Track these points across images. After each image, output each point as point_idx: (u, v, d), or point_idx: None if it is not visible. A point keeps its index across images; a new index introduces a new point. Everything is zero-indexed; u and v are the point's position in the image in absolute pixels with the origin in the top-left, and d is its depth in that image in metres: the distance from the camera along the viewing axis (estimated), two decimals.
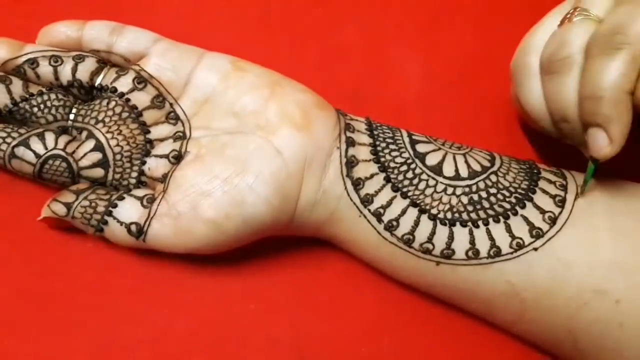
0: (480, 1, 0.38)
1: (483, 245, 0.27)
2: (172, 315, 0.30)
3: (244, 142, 0.28)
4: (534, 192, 0.28)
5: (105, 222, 0.28)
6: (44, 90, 0.30)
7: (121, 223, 0.28)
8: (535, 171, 0.29)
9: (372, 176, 0.28)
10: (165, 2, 0.36)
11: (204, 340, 0.30)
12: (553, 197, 0.28)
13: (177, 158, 0.29)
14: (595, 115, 0.25)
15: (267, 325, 0.30)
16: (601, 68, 0.25)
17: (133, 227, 0.28)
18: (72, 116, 0.30)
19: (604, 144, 0.25)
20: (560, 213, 0.27)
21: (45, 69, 0.30)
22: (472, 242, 0.27)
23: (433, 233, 0.27)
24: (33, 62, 0.30)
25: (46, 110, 0.30)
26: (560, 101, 0.27)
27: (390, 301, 0.31)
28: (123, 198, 0.29)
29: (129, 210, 0.28)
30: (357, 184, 0.28)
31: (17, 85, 0.30)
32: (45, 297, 0.30)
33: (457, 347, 0.30)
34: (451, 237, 0.27)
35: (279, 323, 0.30)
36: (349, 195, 0.28)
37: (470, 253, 0.27)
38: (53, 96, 0.30)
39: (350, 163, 0.28)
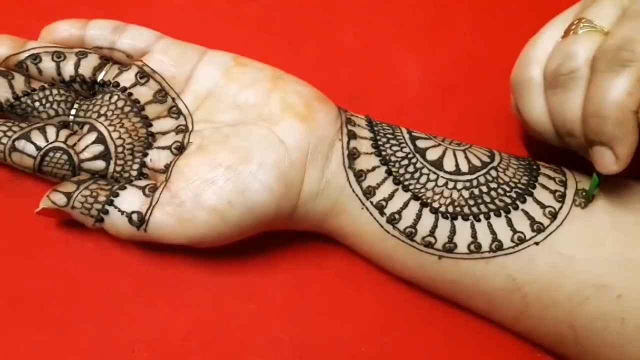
0: (480, 1, 0.39)
1: (485, 239, 0.27)
2: (172, 315, 0.30)
3: (247, 132, 0.28)
4: (534, 187, 0.28)
5: (106, 212, 0.28)
6: (45, 85, 0.30)
7: (122, 212, 0.28)
8: (534, 167, 0.29)
9: (373, 169, 0.28)
10: (165, 2, 0.37)
11: (204, 340, 0.30)
12: (553, 192, 0.28)
13: (180, 149, 0.29)
14: (600, 134, 0.24)
15: (267, 325, 0.30)
16: (606, 86, 0.24)
17: (134, 216, 0.28)
18: (73, 112, 0.30)
19: (610, 162, 0.25)
20: (560, 208, 0.27)
21: (47, 65, 0.30)
22: (474, 235, 0.27)
23: (435, 226, 0.28)
24: (36, 58, 0.30)
25: (48, 105, 0.30)
26: (566, 117, 0.26)
27: (390, 301, 0.31)
28: (125, 188, 0.29)
29: (130, 199, 0.28)
30: (359, 175, 0.28)
31: (19, 81, 0.30)
32: (45, 297, 0.30)
33: (457, 347, 0.30)
34: (453, 231, 0.27)
35: (279, 323, 0.30)
36: (351, 186, 0.28)
37: (472, 247, 0.27)
38: (55, 91, 0.30)
39: (352, 155, 0.28)
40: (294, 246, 0.31)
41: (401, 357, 0.30)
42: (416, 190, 0.28)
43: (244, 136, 0.28)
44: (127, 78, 0.30)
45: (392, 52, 0.37)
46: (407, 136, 0.30)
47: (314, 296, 0.31)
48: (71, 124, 0.31)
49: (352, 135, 0.29)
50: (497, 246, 0.27)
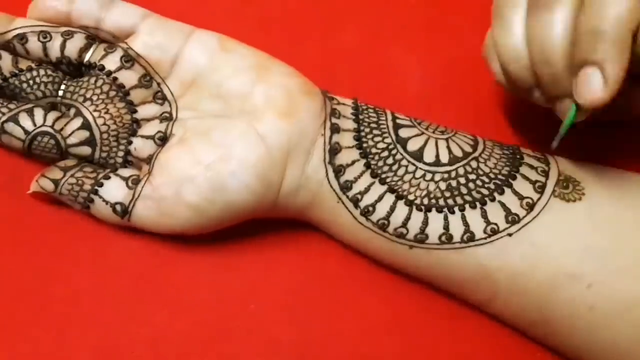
0: (480, 1, 0.38)
1: (457, 230, 0.27)
2: (172, 315, 0.30)
3: (228, 127, 0.28)
4: (514, 178, 0.28)
5: (92, 200, 0.29)
6: (33, 66, 0.31)
7: (107, 202, 0.29)
8: (517, 156, 0.29)
9: (353, 163, 0.29)
10: (165, 2, 0.36)
11: (204, 340, 0.30)
12: (533, 183, 0.28)
13: (163, 140, 0.29)
14: (594, 51, 0.23)
15: (267, 325, 0.30)
16: (606, 0, 0.23)
17: (118, 207, 0.29)
18: (61, 92, 0.31)
19: (597, 86, 0.24)
20: (538, 199, 0.28)
21: (34, 45, 0.30)
22: (446, 227, 0.27)
23: (408, 218, 0.28)
24: (22, 38, 0.30)
25: (35, 87, 0.30)
26: (546, 40, 0.25)
27: (390, 301, 0.31)
28: (109, 177, 0.29)
29: (114, 190, 0.29)
30: (338, 170, 0.29)
31: (6, 61, 0.30)
32: (45, 297, 0.30)
33: (458, 347, 0.30)
34: (425, 222, 0.28)
35: (279, 323, 0.30)
36: (329, 181, 0.29)
37: (443, 238, 0.27)
38: (42, 72, 0.31)
39: (334, 150, 0.29)
40: (294, 246, 0.31)
41: (402, 357, 0.30)
42: (393, 183, 0.28)
43: (226, 131, 0.28)
44: (112, 61, 0.30)
45: (392, 52, 0.37)
46: (391, 124, 0.30)
47: (314, 296, 0.31)
48: (59, 105, 0.31)
49: (335, 129, 0.29)
50: (469, 237, 0.27)
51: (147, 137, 0.30)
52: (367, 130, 0.29)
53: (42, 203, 0.31)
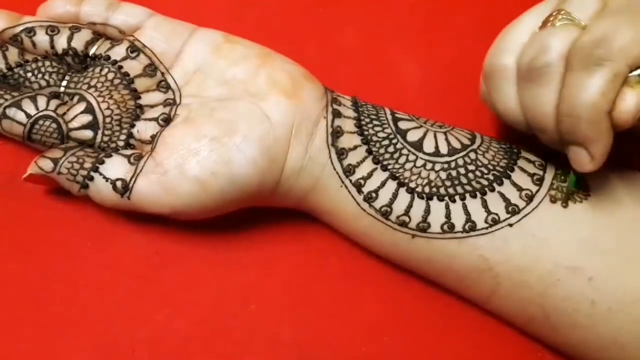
0: (480, 1, 0.39)
1: (458, 220, 0.28)
2: (172, 315, 0.30)
3: (233, 107, 0.29)
4: (512, 170, 0.28)
5: (91, 178, 0.29)
6: (38, 57, 0.31)
7: (107, 179, 0.28)
8: (515, 150, 0.29)
9: (355, 147, 0.29)
10: (164, 3, 0.36)
11: (204, 340, 0.30)
12: (531, 175, 0.28)
13: (166, 120, 0.29)
14: (574, 134, 0.24)
15: (267, 325, 0.30)
16: (579, 85, 0.24)
17: (119, 184, 0.28)
18: (64, 83, 0.31)
19: (585, 161, 0.25)
20: (537, 191, 0.28)
21: (41, 38, 0.31)
22: (448, 216, 0.28)
23: (410, 206, 0.28)
24: (30, 31, 0.31)
25: (40, 76, 0.31)
26: (538, 112, 0.26)
27: (390, 301, 0.31)
28: (111, 156, 0.29)
29: (115, 166, 0.29)
30: (341, 153, 0.29)
31: (12, 52, 0.31)
32: (45, 297, 0.30)
33: (458, 346, 0.30)
34: (427, 211, 0.28)
35: (279, 323, 0.30)
36: (332, 164, 0.29)
37: (445, 227, 0.28)
38: (47, 63, 0.31)
39: (336, 133, 0.29)
40: (294, 246, 0.32)
41: (401, 357, 0.30)
42: (394, 170, 0.28)
43: (230, 110, 0.29)
44: (118, 52, 0.31)
45: (392, 52, 0.37)
46: (390, 117, 0.30)
47: (314, 296, 0.31)
48: (62, 94, 0.31)
49: (336, 114, 0.29)
50: (471, 227, 0.27)
51: (151, 119, 0.30)
52: (367, 120, 0.30)
53: (42, 203, 0.31)
